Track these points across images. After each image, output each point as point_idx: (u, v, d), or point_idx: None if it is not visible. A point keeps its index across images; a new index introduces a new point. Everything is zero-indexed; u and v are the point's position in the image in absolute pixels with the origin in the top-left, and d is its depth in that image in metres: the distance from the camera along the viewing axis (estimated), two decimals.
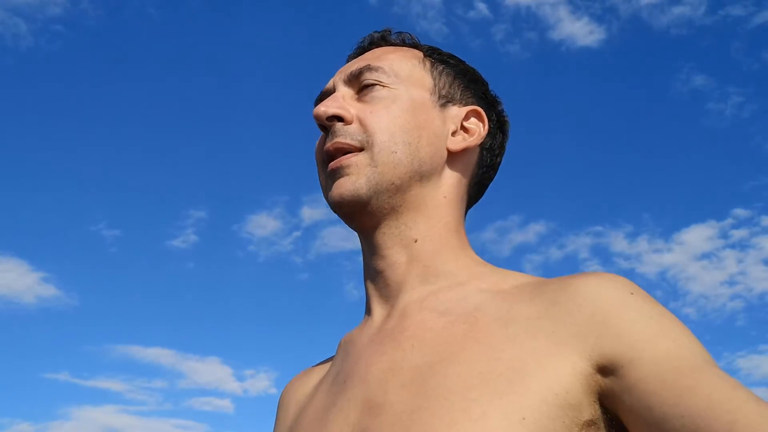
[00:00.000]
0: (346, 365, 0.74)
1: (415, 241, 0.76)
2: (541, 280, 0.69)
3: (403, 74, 0.80)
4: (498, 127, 0.87)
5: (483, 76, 0.89)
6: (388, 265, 0.76)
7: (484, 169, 0.85)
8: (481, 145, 0.84)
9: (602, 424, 0.59)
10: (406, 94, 0.78)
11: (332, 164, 0.75)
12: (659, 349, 0.57)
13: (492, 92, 0.88)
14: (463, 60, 0.88)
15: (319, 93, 0.84)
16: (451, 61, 0.86)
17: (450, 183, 0.80)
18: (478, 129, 0.82)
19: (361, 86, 0.79)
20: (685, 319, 0.63)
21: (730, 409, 0.50)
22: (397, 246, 0.76)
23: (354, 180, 0.73)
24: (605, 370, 0.58)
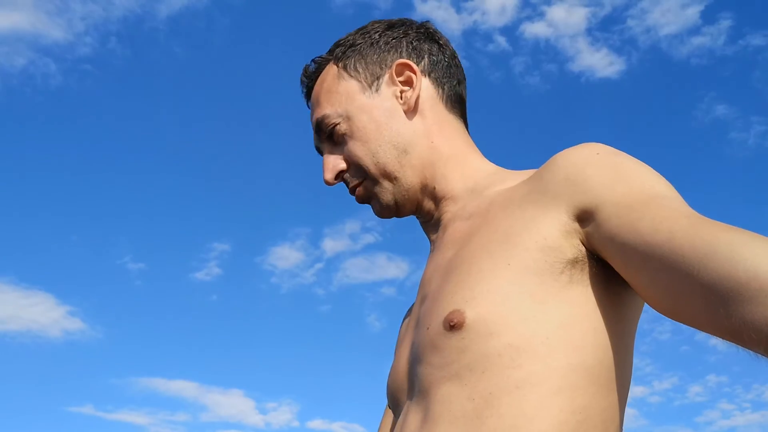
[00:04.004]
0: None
1: (434, 188, 0.92)
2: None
3: (340, 102, 0.92)
4: (425, 41, 0.96)
5: (382, 19, 0.98)
6: (428, 213, 0.94)
7: (446, 80, 0.96)
8: (425, 74, 0.94)
9: (587, 261, 0.73)
10: (354, 114, 0.92)
11: (357, 198, 0.94)
12: (616, 193, 0.70)
13: (396, 28, 0.96)
14: (362, 28, 0.97)
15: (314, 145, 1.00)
16: (358, 42, 0.95)
17: (428, 127, 0.93)
18: (412, 75, 0.93)
19: (327, 134, 0.94)
20: None
21: (669, 225, 0.64)
22: (426, 200, 0.93)
23: (379, 200, 0.93)
24: (581, 218, 0.73)
